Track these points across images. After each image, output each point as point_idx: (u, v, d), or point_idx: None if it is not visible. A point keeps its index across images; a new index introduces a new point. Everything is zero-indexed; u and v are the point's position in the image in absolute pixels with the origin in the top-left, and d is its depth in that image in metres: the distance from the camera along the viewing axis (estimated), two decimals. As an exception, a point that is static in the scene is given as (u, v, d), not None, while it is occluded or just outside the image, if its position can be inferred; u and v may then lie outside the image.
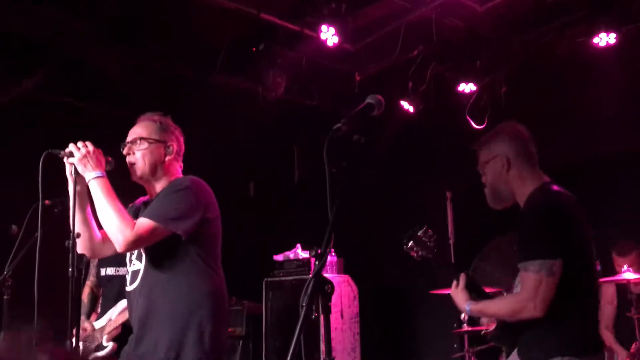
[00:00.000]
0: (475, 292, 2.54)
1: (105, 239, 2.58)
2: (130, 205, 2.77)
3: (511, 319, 2.39)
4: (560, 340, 2.31)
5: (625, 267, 3.81)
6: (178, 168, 2.69)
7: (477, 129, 5.23)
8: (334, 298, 4.64)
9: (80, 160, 2.48)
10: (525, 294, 2.29)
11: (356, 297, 5.33)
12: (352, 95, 5.43)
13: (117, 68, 5.17)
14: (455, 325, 5.47)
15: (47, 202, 3.40)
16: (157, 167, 2.62)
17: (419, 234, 2.65)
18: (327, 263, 5.38)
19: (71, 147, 2.51)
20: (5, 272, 3.48)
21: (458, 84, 5.07)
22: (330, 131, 1.77)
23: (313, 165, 7.10)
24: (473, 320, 4.77)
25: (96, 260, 3.79)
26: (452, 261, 5.57)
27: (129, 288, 2.61)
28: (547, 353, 2.31)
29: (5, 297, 3.59)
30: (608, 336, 4.22)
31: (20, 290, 4.60)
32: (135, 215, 2.56)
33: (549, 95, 5.36)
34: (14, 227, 4.04)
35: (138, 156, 2.61)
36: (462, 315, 4.64)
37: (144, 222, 2.45)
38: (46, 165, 2.49)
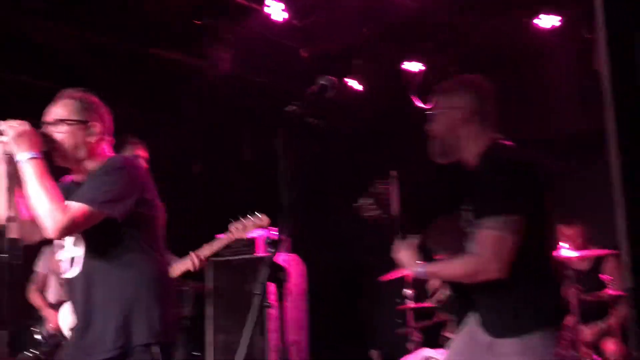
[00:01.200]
0: (425, 257, 2.39)
1: (35, 222, 2.40)
2: (58, 182, 2.55)
3: (468, 281, 2.26)
4: (535, 309, 2.21)
5: (564, 245, 3.94)
6: (107, 147, 2.53)
7: (423, 108, 5.27)
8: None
9: (14, 139, 2.32)
10: (486, 253, 2.15)
11: (303, 275, 5.33)
12: (300, 72, 5.37)
13: (52, 41, 4.93)
14: (399, 301, 5.57)
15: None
16: (80, 150, 2.45)
17: (377, 190, 2.53)
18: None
19: (2, 125, 2.36)
20: None
21: (405, 63, 5.08)
22: (284, 113, 1.71)
23: (260, 144, 7.02)
24: (418, 297, 4.85)
25: None
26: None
27: (67, 276, 2.48)
28: (524, 325, 2.19)
29: None
30: None
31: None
32: (65, 197, 2.43)
33: (497, 75, 5.43)
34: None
35: (59, 139, 2.43)
36: (406, 292, 4.70)
37: (76, 207, 2.31)
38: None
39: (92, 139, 2.47)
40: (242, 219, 3.85)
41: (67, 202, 2.33)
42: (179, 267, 3.80)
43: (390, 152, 5.94)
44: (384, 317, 5.76)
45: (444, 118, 2.38)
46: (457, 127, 2.35)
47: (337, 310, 6.26)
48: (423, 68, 5.11)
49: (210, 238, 5.56)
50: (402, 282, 5.19)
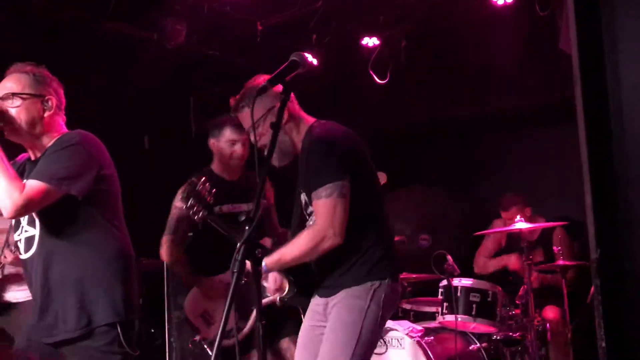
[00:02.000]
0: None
1: None
2: (12, 162, 2.49)
3: (312, 256, 2.33)
4: (366, 264, 2.34)
5: (517, 217, 4.07)
6: (61, 122, 2.47)
7: (379, 83, 5.29)
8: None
9: None
10: (322, 222, 2.26)
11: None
12: (254, 45, 5.29)
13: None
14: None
15: None
16: (35, 125, 2.38)
17: (198, 188, 2.49)
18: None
19: None
20: None
21: (361, 37, 5.07)
22: (257, 91, 1.69)
23: (210, 118, 6.91)
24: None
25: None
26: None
27: (23, 256, 2.41)
28: (354, 278, 2.33)
29: None
30: None
31: None
32: (20, 175, 2.35)
33: (447, 50, 5.51)
34: None
35: (12, 114, 2.35)
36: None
37: (33, 185, 2.25)
38: None
39: (48, 114, 2.39)
40: None
41: (24, 181, 2.26)
42: None
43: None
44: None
45: (266, 123, 2.35)
46: (282, 126, 2.33)
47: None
48: (377, 43, 5.11)
49: (162, 211, 5.51)
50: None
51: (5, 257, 3.95)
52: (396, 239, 4.72)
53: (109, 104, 5.59)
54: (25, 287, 3.97)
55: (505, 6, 4.55)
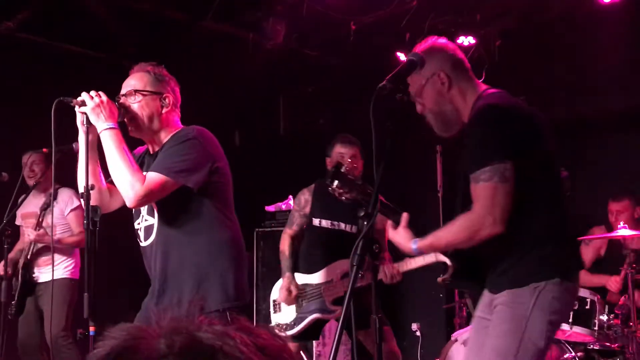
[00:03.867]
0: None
1: (113, 191, 2.52)
2: (132, 153, 2.68)
3: (469, 243, 2.10)
4: (540, 259, 2.08)
5: (621, 223, 3.89)
6: (177, 119, 2.60)
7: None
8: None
9: (92, 110, 2.39)
10: (480, 208, 2.02)
11: (346, 248, 5.38)
12: (347, 44, 5.34)
13: (105, 10, 4.96)
14: (441, 275, 5.59)
15: (44, 150, 3.32)
16: (154, 120, 2.52)
17: (342, 170, 2.36)
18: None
19: (84, 95, 2.42)
20: (4, 221, 3.41)
21: (457, 36, 5.00)
22: (376, 89, 1.71)
23: (299, 117, 7.04)
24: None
25: (304, 208, 3.77)
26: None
27: (143, 244, 2.56)
28: (518, 278, 2.07)
29: (5, 245, 3.53)
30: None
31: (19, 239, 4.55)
32: (139, 167, 2.50)
33: (544, 50, 5.34)
34: (4, 174, 3.95)
35: (134, 109, 2.50)
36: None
37: (153, 176, 2.38)
38: (57, 112, 2.41)
39: (165, 110, 2.53)
40: None
41: (144, 173, 2.40)
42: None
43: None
44: (425, 291, 5.79)
45: (427, 92, 2.25)
46: (444, 93, 2.23)
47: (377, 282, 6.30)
48: (473, 42, 5.03)
49: (254, 209, 5.67)
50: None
51: (29, 235, 4.21)
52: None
53: (203, 100, 5.80)
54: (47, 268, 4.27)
55: (613, 3, 4.37)
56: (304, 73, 6.16)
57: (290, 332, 3.77)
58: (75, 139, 2.58)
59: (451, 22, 5.07)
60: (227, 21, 5.17)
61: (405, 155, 5.90)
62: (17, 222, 4.53)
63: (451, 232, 2.13)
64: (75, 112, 2.46)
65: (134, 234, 2.62)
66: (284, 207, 5.45)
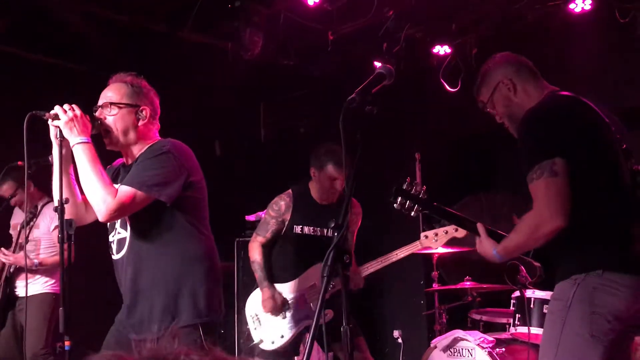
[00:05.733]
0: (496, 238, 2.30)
1: (88, 204, 2.51)
2: (108, 167, 2.67)
3: (537, 242, 2.14)
4: (581, 252, 2.11)
5: None
6: (154, 131, 2.59)
7: (450, 91, 5.27)
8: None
9: (65, 123, 2.39)
10: (537, 206, 2.08)
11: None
12: (325, 54, 5.38)
13: (83, 21, 4.95)
14: (422, 282, 5.62)
15: (19, 163, 3.30)
16: (129, 133, 2.51)
17: (404, 187, 2.45)
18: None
19: (57, 109, 2.42)
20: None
21: (433, 45, 5.07)
22: (345, 102, 1.74)
23: (279, 124, 7.06)
24: (442, 279, 4.91)
25: (284, 214, 3.72)
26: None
27: (115, 257, 2.56)
28: (564, 272, 2.11)
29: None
30: None
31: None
32: (114, 179, 2.49)
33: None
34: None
35: (109, 121, 2.50)
36: (433, 274, 4.76)
37: (125, 190, 2.37)
38: (29, 126, 2.40)
39: (142, 123, 2.52)
40: (435, 228, 3.53)
41: (116, 186, 2.39)
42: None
43: (414, 134, 5.97)
44: (405, 298, 5.83)
45: (496, 100, 2.39)
46: (511, 98, 2.35)
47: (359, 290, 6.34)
48: (449, 51, 5.09)
49: (235, 218, 5.68)
50: (425, 263, 5.27)
51: (6, 258, 4.20)
52: (466, 249, 4.74)
53: (182, 110, 5.80)
54: (33, 281, 4.25)
55: (583, 13, 4.46)
56: (283, 81, 6.20)
57: (280, 344, 3.69)
58: (51, 151, 2.57)
59: (427, 31, 5.14)
60: (205, 31, 5.18)
61: (384, 164, 5.96)
62: (10, 230, 4.51)
63: (517, 233, 2.19)
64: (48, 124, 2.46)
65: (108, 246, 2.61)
66: (264, 216, 5.45)
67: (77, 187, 2.53)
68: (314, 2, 4.34)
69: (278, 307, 3.66)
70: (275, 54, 4.94)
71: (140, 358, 0.77)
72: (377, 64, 5.25)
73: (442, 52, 5.11)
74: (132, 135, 2.52)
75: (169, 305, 2.43)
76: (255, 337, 3.81)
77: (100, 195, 2.35)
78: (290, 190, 3.81)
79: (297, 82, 6.22)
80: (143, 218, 2.46)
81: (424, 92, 5.69)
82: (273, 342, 3.69)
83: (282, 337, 3.69)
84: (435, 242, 3.51)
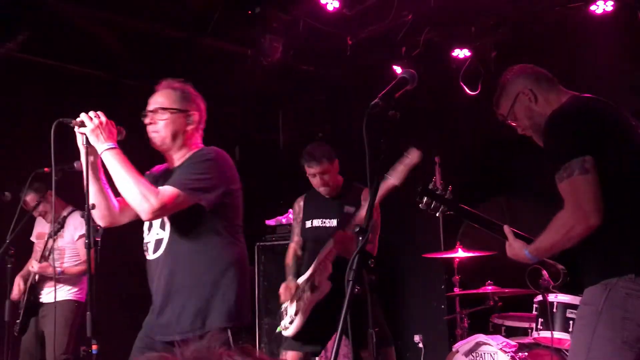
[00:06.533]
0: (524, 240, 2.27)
1: (123, 207, 2.56)
2: (148, 172, 2.74)
3: (570, 242, 2.08)
4: (612, 256, 2.06)
5: None
6: (199, 137, 2.66)
7: (470, 94, 5.25)
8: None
9: (92, 131, 2.42)
10: (568, 205, 2.04)
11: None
12: (344, 59, 5.40)
13: (104, 29, 5.02)
14: (443, 287, 5.59)
15: (45, 169, 3.36)
16: (178, 137, 2.58)
17: (430, 187, 2.44)
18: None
19: (82, 116, 2.45)
20: (7, 241, 3.44)
21: (452, 49, 5.05)
22: (368, 107, 1.75)
23: (298, 130, 7.08)
24: (464, 284, 4.88)
25: (299, 215, 3.89)
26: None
27: (150, 257, 2.60)
28: (593, 277, 2.07)
29: (8, 265, 3.57)
30: None
31: (24, 259, 4.59)
32: (155, 183, 2.53)
33: (538, 60, 5.38)
34: (6, 193, 3.99)
35: (160, 126, 2.57)
36: (454, 279, 4.74)
37: (168, 190, 2.42)
38: (57, 133, 2.44)
39: (190, 128, 2.58)
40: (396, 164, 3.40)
41: (160, 187, 2.43)
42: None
43: (433, 137, 5.95)
44: (426, 303, 5.80)
45: (518, 111, 2.39)
46: (532, 108, 2.35)
47: (379, 294, 6.33)
48: (469, 54, 5.07)
49: (255, 223, 5.70)
50: (446, 268, 5.24)
51: (32, 266, 4.28)
52: (487, 253, 4.71)
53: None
54: (57, 288, 4.30)
55: (604, 14, 4.42)
56: (302, 87, 6.22)
57: (293, 326, 3.70)
58: (77, 157, 2.61)
59: (446, 35, 5.12)
60: (224, 38, 5.23)
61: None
62: (32, 238, 4.58)
63: (549, 233, 2.15)
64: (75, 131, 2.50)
65: (141, 248, 2.64)
66: (284, 220, 5.48)
67: (109, 190, 2.56)
68: (334, 7, 4.36)
69: (289, 291, 3.74)
70: (295, 59, 4.96)
71: (183, 359, 0.79)
72: (397, 68, 5.26)
73: (461, 56, 5.09)
74: (180, 139, 2.58)
75: (201, 308, 2.46)
76: (282, 324, 3.85)
77: (140, 195, 2.38)
78: (305, 194, 4.00)
79: (315, 88, 6.24)
80: (183, 220, 2.50)
81: (444, 96, 5.67)
82: (287, 328, 3.76)
83: (294, 320, 3.73)
84: (400, 176, 3.33)
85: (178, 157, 2.60)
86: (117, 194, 2.52)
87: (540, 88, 2.35)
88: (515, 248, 2.27)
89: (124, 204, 2.51)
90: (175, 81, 2.65)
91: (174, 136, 2.57)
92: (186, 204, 2.44)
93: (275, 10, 4.63)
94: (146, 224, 2.61)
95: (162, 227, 2.55)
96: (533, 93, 2.35)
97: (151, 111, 2.58)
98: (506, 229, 2.31)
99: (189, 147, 2.60)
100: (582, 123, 2.14)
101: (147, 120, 2.58)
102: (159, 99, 2.60)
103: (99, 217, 2.53)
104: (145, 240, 2.63)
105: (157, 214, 2.42)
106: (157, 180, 2.55)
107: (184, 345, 0.81)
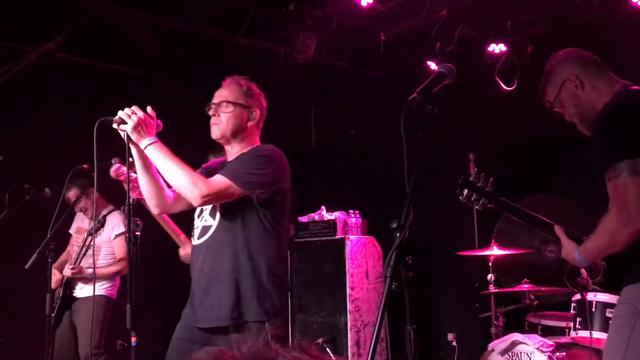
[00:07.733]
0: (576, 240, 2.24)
1: (177, 197, 2.62)
2: (204, 165, 2.81)
3: (617, 246, 2.04)
4: None
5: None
6: (257, 134, 2.72)
7: (506, 90, 5.17)
8: (359, 259, 4.67)
9: (133, 129, 2.47)
10: (616, 207, 2.00)
11: (380, 258, 5.39)
12: (377, 55, 5.37)
13: (140, 29, 5.09)
14: (477, 285, 5.53)
15: (84, 166, 3.43)
16: (238, 132, 2.64)
17: (471, 179, 2.41)
18: (352, 225, 5.40)
19: (120, 114, 2.50)
20: (48, 236, 3.52)
21: (487, 44, 4.98)
22: (406, 102, 1.73)
23: (330, 128, 7.08)
24: (499, 282, 4.82)
25: None
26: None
27: (196, 242, 2.65)
28: (633, 276, 2.03)
29: (49, 260, 3.66)
30: None
31: (63, 252, 4.69)
32: (210, 175, 2.59)
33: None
34: (47, 190, 4.07)
35: (223, 119, 2.63)
36: (489, 277, 4.68)
37: (221, 179, 2.49)
38: (99, 132, 2.48)
39: (251, 123, 2.65)
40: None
41: (212, 177, 2.49)
42: None
43: (468, 134, 5.88)
44: (460, 301, 5.75)
45: (564, 98, 2.33)
46: (579, 95, 2.29)
47: (411, 293, 6.28)
48: (504, 49, 5.00)
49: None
50: (481, 266, 5.18)
51: (65, 271, 4.33)
52: (523, 251, 4.64)
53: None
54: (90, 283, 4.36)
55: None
56: (334, 84, 6.21)
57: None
58: (112, 155, 2.67)
59: (481, 30, 5.06)
60: (258, 36, 5.25)
61: (437, 164, 5.90)
62: (71, 231, 4.67)
63: (596, 236, 2.12)
64: (116, 129, 2.54)
65: (190, 232, 2.72)
66: (316, 217, 5.48)
67: (161, 179, 2.60)
68: (367, 3, 4.34)
69: None
70: (328, 56, 4.95)
71: (240, 355, 0.80)
72: (431, 64, 5.21)
73: (497, 51, 5.02)
74: (240, 134, 2.65)
75: (240, 298, 2.50)
76: None
77: (190, 181, 2.43)
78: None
79: (348, 85, 6.22)
80: (232, 211, 2.55)
81: (479, 91, 5.60)
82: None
83: None
84: None
85: (235, 152, 2.66)
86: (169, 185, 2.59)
87: (587, 75, 2.29)
88: (567, 248, 2.24)
89: (178, 195, 2.57)
90: (242, 78, 2.73)
91: (235, 130, 2.63)
92: (237, 195, 2.49)
93: (309, 7, 4.62)
94: (197, 211, 2.67)
95: (213, 215, 2.61)
96: (579, 79, 2.29)
97: (216, 104, 2.64)
98: (557, 229, 2.27)
99: (247, 143, 2.66)
100: (635, 122, 2.08)
101: (210, 112, 2.65)
102: (224, 93, 2.67)
103: (153, 206, 2.61)
104: (194, 225, 2.70)
105: (207, 199, 2.47)
106: (213, 173, 2.59)
107: (240, 342, 0.82)
